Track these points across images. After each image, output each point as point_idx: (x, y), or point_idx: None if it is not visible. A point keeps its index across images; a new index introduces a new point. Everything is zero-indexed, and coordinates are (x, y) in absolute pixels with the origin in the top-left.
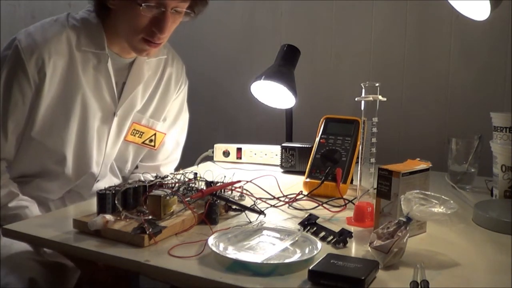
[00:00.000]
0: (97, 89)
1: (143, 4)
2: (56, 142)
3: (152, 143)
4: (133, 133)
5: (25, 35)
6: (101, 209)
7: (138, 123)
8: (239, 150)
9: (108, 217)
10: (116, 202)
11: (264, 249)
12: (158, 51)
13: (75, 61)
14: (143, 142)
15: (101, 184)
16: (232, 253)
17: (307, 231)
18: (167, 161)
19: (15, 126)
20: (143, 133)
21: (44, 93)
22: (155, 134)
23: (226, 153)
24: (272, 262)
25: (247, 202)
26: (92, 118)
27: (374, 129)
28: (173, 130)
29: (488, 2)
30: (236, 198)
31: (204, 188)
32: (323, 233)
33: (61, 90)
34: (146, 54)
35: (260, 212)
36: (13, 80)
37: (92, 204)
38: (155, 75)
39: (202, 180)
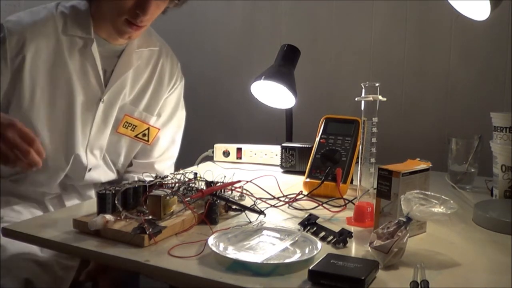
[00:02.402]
0: (83, 74)
1: None
2: (42, 124)
3: (146, 138)
4: (125, 125)
5: (14, 17)
6: (101, 209)
7: (130, 116)
8: (239, 150)
9: (108, 217)
10: (116, 202)
11: (264, 249)
12: (146, 40)
13: (61, 45)
14: (136, 136)
15: (94, 175)
16: (232, 253)
17: (307, 231)
18: (161, 158)
19: None
20: (135, 126)
21: (25, 75)
22: (148, 129)
23: (226, 153)
24: (272, 262)
25: (247, 202)
26: (78, 102)
27: (374, 129)
28: (169, 126)
29: (488, 2)
30: (236, 198)
31: (204, 188)
32: (323, 233)
33: (46, 74)
34: (128, 37)
35: (260, 212)
36: None
37: (92, 204)
38: (147, 67)
39: (202, 180)
